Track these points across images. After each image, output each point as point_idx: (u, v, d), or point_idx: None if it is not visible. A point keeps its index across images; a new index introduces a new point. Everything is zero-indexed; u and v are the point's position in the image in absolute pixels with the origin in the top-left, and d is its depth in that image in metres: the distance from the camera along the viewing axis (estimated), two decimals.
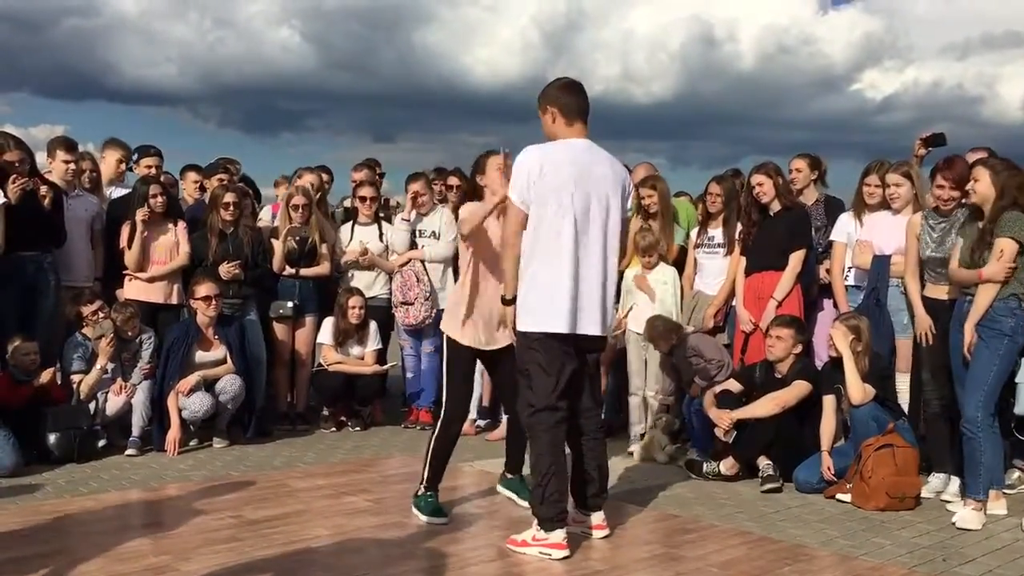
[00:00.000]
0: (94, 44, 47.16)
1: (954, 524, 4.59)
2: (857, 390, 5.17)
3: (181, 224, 6.67)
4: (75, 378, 5.96)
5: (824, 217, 6.38)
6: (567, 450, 4.30)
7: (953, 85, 47.86)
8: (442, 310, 6.71)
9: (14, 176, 5.77)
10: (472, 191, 4.85)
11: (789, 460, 5.38)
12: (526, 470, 4.69)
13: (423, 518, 4.54)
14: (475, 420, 6.68)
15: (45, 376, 5.79)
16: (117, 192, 7.05)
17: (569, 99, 4.19)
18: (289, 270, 6.91)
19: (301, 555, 4.02)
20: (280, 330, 6.94)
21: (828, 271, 6.09)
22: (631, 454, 6.18)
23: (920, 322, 5.19)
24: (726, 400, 5.62)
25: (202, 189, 7.34)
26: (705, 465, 5.56)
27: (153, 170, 7.04)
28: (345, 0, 51.82)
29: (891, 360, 5.53)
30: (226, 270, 6.47)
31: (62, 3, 45.54)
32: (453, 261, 7.01)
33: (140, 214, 6.37)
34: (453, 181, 7.53)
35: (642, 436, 6.21)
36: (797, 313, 5.89)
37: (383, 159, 8.66)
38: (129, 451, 5.90)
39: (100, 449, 5.84)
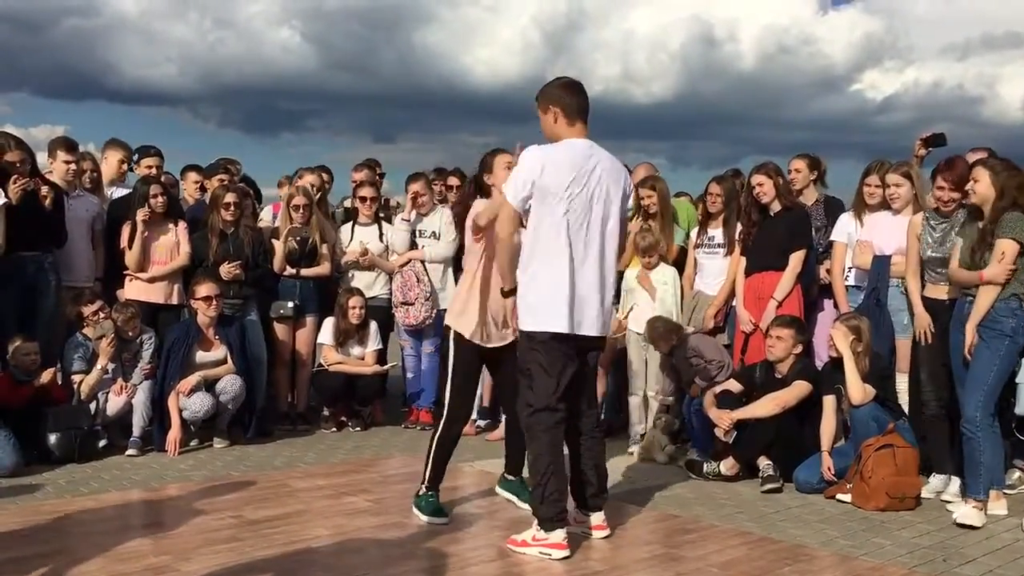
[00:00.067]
0: (94, 44, 47.21)
1: (955, 520, 4.59)
2: (857, 390, 5.17)
3: (182, 224, 6.67)
4: (76, 378, 5.96)
5: (824, 217, 6.38)
6: (566, 450, 4.30)
7: (953, 85, 47.88)
8: (442, 310, 6.73)
9: (15, 176, 5.78)
10: (479, 190, 4.84)
11: (789, 460, 5.38)
12: (525, 471, 4.68)
13: (424, 518, 4.54)
14: (475, 420, 6.68)
15: (46, 376, 5.79)
16: (118, 192, 7.05)
17: (571, 99, 4.18)
18: (290, 270, 6.91)
19: (301, 555, 4.02)
20: (280, 330, 6.94)
21: (828, 271, 6.09)
22: (631, 454, 6.18)
23: (919, 320, 5.20)
24: (726, 400, 5.62)
25: (202, 189, 7.34)
26: (705, 465, 5.56)
27: (154, 170, 7.04)
28: (345, 1, 51.86)
29: (891, 360, 5.53)
30: (227, 270, 6.47)
31: (62, 3, 45.59)
32: (453, 261, 7.03)
33: (141, 214, 6.38)
34: (453, 181, 7.54)
35: (642, 436, 6.21)
36: (797, 313, 5.89)
37: (383, 159, 8.68)
38: (130, 451, 5.90)
39: (101, 449, 5.84)
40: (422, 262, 6.95)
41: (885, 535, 4.48)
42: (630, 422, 6.43)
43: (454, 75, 51.51)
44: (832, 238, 6.07)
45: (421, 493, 4.62)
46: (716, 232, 6.49)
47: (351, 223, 7.29)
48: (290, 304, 6.87)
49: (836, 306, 5.98)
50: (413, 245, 7.04)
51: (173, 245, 6.57)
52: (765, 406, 5.44)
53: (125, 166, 7.24)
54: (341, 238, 7.21)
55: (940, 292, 5.13)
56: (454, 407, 4.57)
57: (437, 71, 51.51)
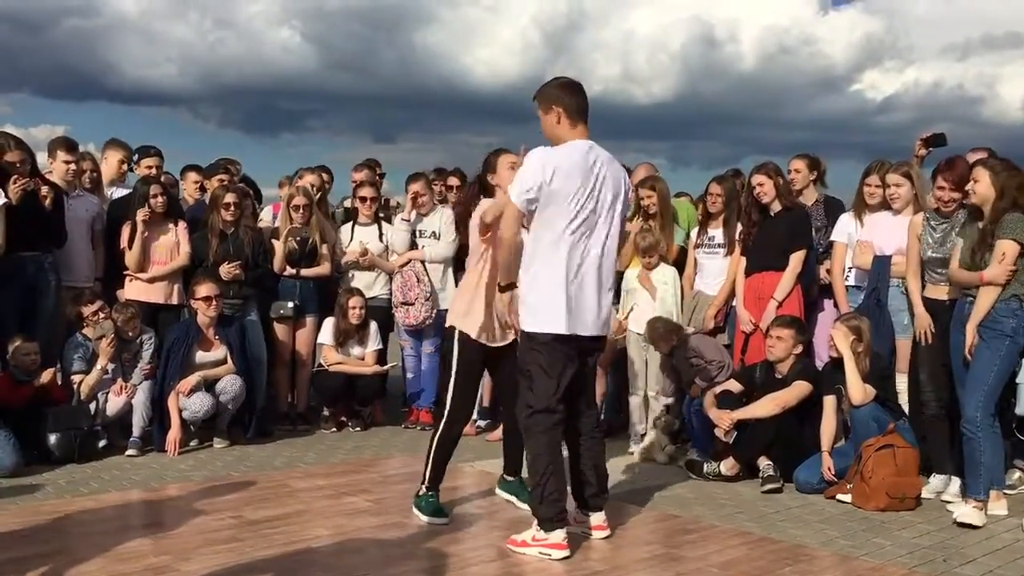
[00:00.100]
0: (94, 44, 47.19)
1: (955, 520, 4.59)
2: (858, 390, 5.17)
3: (182, 224, 6.67)
4: (75, 378, 5.96)
5: (824, 217, 6.38)
6: (565, 451, 4.30)
7: (953, 86, 47.87)
8: (443, 310, 6.73)
9: (15, 176, 5.78)
10: (483, 190, 4.83)
11: (789, 460, 5.38)
12: (524, 472, 4.68)
13: (424, 518, 4.54)
14: (475, 420, 6.68)
15: (46, 376, 5.79)
16: (118, 192, 7.05)
17: (573, 99, 4.16)
18: (290, 270, 6.91)
19: (301, 555, 4.02)
20: (281, 330, 6.94)
21: (828, 271, 6.09)
22: (631, 454, 6.18)
23: (919, 320, 5.19)
24: (726, 400, 5.62)
25: (202, 189, 7.34)
26: (705, 465, 5.56)
27: (154, 170, 7.05)
28: (346, 1, 51.84)
29: (891, 360, 5.53)
30: (227, 270, 6.47)
31: (62, 3, 45.58)
32: (453, 261, 7.02)
33: (141, 214, 6.37)
34: (453, 181, 7.54)
35: (642, 436, 6.21)
36: (797, 313, 5.89)
37: (383, 159, 8.68)
38: (130, 451, 5.90)
39: (100, 449, 5.84)
40: (422, 262, 6.95)
41: (885, 535, 4.48)
42: (630, 422, 6.43)
43: (454, 75, 51.53)
44: (832, 238, 6.07)
45: (421, 493, 4.62)
46: (716, 232, 6.49)
47: (351, 223, 7.29)
48: (290, 304, 6.87)
49: (836, 306, 5.99)
50: (413, 245, 7.04)
51: (173, 245, 6.57)
52: (765, 406, 5.44)
53: (125, 166, 7.24)
54: (341, 238, 7.21)
55: (940, 292, 5.13)
56: (455, 407, 4.56)
57: (437, 71, 51.52)
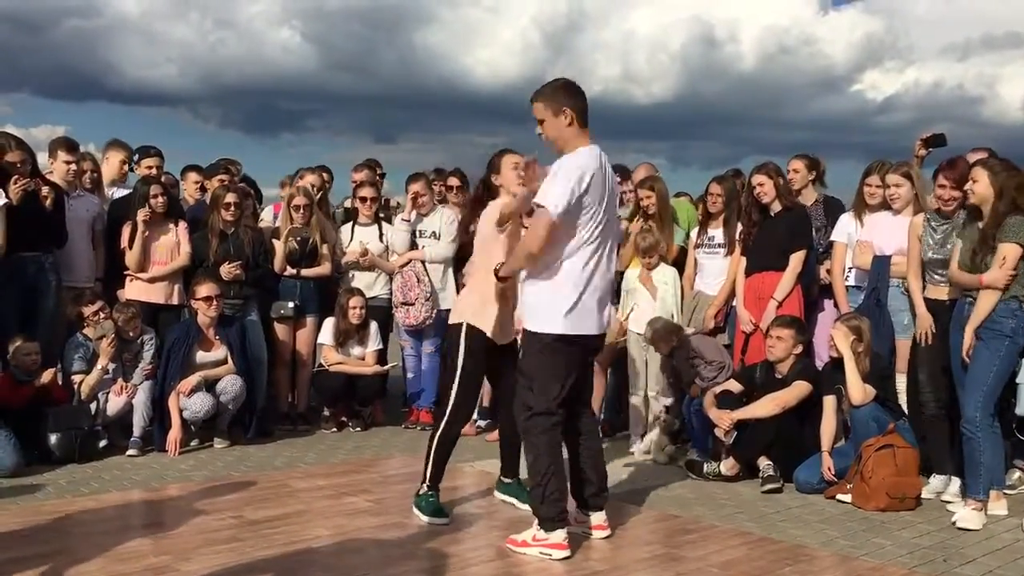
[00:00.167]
0: (95, 45, 47.21)
1: (954, 524, 4.59)
2: (858, 391, 5.18)
3: (182, 224, 6.67)
4: (76, 378, 5.96)
5: (824, 217, 6.38)
6: (564, 451, 4.30)
7: (954, 86, 47.88)
8: (443, 311, 6.73)
9: (16, 177, 5.78)
10: (487, 191, 4.82)
11: (789, 460, 5.38)
12: (522, 473, 4.68)
13: (424, 518, 4.54)
14: (475, 420, 6.68)
15: (46, 376, 5.79)
16: (119, 193, 7.06)
17: (581, 102, 4.12)
18: (290, 270, 6.91)
19: (302, 555, 4.03)
20: (281, 330, 6.94)
21: (829, 271, 6.09)
22: (631, 454, 6.18)
23: (921, 321, 5.19)
24: (726, 400, 5.62)
25: (203, 189, 7.34)
26: (705, 465, 5.57)
27: (154, 170, 7.05)
28: (346, 1, 51.87)
29: (891, 360, 5.53)
30: (227, 271, 6.47)
31: (63, 4, 45.59)
32: (454, 261, 7.03)
33: (141, 214, 6.38)
34: (453, 182, 7.53)
35: (642, 436, 6.21)
36: (797, 313, 5.89)
37: (384, 160, 8.68)
38: (130, 451, 5.90)
39: (101, 449, 5.84)
40: (422, 262, 6.95)
41: (885, 535, 4.48)
42: (630, 422, 6.43)
43: (454, 76, 51.54)
44: (832, 238, 6.08)
45: (422, 492, 4.62)
46: (716, 232, 6.49)
47: (351, 223, 7.29)
48: (290, 304, 6.87)
49: (836, 306, 5.99)
50: (413, 245, 7.04)
51: (173, 245, 6.57)
52: (765, 406, 5.44)
53: (126, 167, 7.24)
54: (341, 238, 7.21)
55: (941, 293, 5.13)
56: (457, 406, 4.55)
57: (437, 72, 51.54)
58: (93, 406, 5.95)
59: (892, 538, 4.43)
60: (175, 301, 6.59)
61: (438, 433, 4.59)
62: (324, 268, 6.99)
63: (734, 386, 5.76)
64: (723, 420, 5.48)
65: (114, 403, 6.03)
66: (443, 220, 7.05)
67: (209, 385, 6.19)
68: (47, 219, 6.02)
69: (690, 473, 5.59)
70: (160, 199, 6.47)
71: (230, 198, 6.60)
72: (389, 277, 7.11)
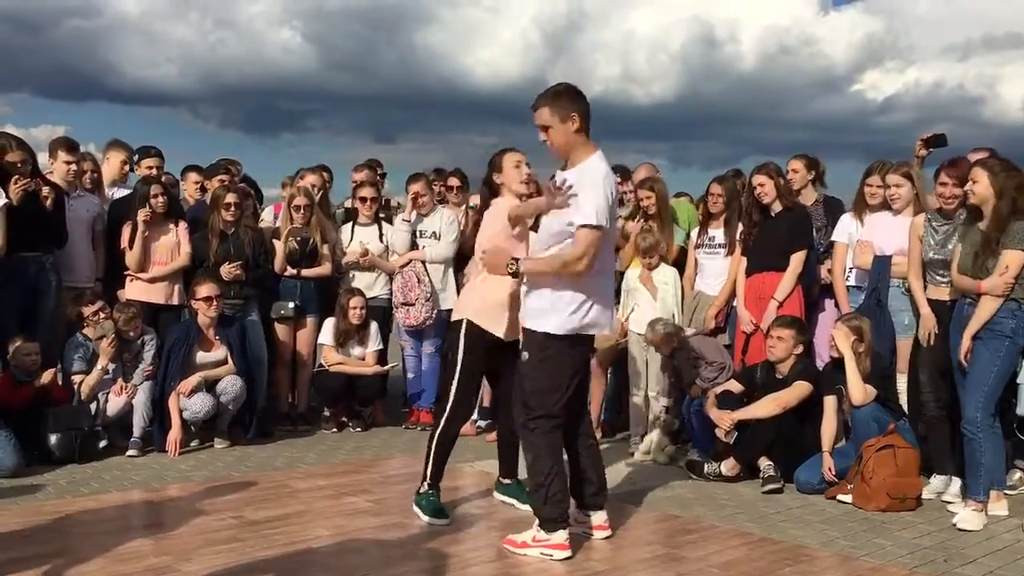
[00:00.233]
0: (95, 45, 47.27)
1: (955, 525, 4.59)
2: (858, 391, 5.17)
3: (182, 225, 6.67)
4: (76, 379, 5.96)
5: (824, 217, 6.38)
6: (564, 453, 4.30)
7: (954, 86, 47.92)
8: (443, 311, 6.73)
9: (16, 177, 5.78)
10: (490, 190, 4.81)
11: (790, 461, 5.38)
12: (523, 474, 4.67)
13: (424, 518, 4.54)
14: (475, 420, 6.68)
15: (46, 377, 5.79)
16: (119, 193, 7.06)
17: (585, 106, 4.06)
18: (290, 271, 6.91)
19: (302, 556, 4.03)
20: (281, 331, 6.94)
21: (829, 271, 6.09)
22: (632, 454, 6.18)
23: (925, 322, 5.19)
24: (727, 401, 5.62)
25: (203, 190, 7.35)
26: (706, 466, 5.56)
27: (154, 171, 7.05)
28: (346, 1, 51.90)
29: (892, 361, 5.53)
30: (227, 271, 6.47)
31: (63, 4, 45.63)
32: (454, 261, 7.02)
33: (141, 215, 6.37)
34: (453, 182, 7.53)
35: (643, 436, 6.21)
36: (798, 314, 5.89)
37: (384, 160, 8.68)
38: (130, 452, 5.90)
39: (101, 450, 5.84)
40: (423, 263, 6.94)
41: (886, 536, 4.48)
42: (630, 422, 6.43)
43: (455, 76, 51.60)
44: (833, 238, 6.07)
45: (422, 491, 4.62)
46: (717, 232, 6.48)
47: (351, 223, 7.29)
48: (291, 304, 6.87)
49: (837, 306, 5.98)
50: (414, 246, 7.04)
51: (173, 245, 6.57)
52: (766, 406, 5.44)
53: (127, 167, 7.25)
54: (341, 238, 7.21)
55: (942, 293, 5.13)
56: (457, 404, 4.54)
57: (438, 72, 51.59)
58: (93, 406, 5.95)
59: (893, 538, 4.43)
60: (175, 301, 6.58)
61: (438, 432, 4.59)
62: (324, 268, 6.98)
63: (735, 386, 5.76)
64: (724, 420, 5.48)
65: (114, 403, 6.03)
66: (443, 220, 7.05)
67: (209, 385, 6.19)
68: (47, 219, 6.02)
69: (690, 473, 5.59)
70: (160, 199, 6.47)
71: (230, 198, 6.60)
72: (389, 277, 7.11)
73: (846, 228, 6.01)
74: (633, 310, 6.35)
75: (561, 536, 4.06)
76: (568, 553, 4.04)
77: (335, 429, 6.89)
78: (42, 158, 6.46)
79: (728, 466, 5.50)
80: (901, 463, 4.95)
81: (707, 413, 5.62)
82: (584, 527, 4.36)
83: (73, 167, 6.46)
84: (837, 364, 5.35)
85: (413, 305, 6.86)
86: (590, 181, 3.94)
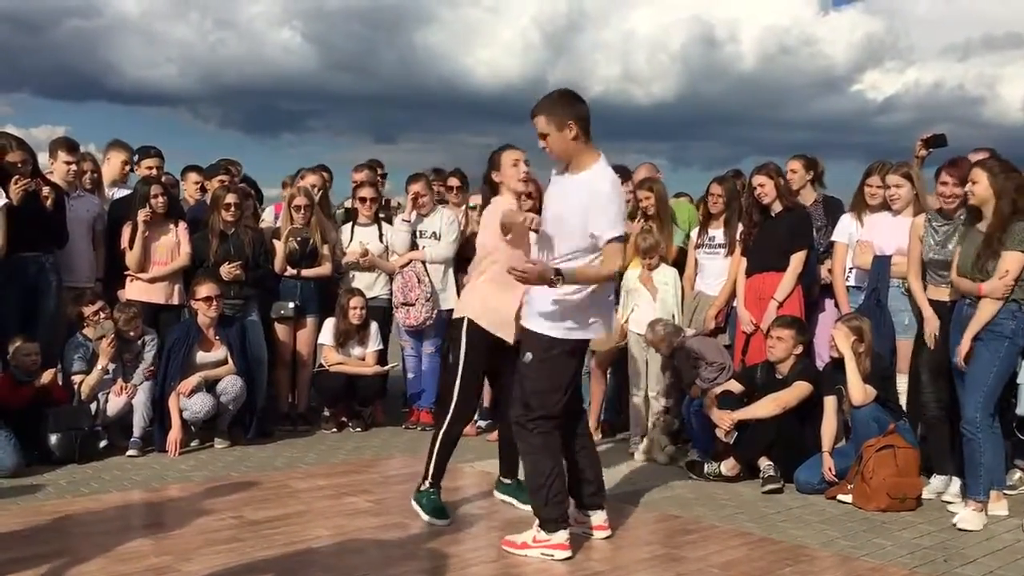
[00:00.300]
0: (95, 45, 47.24)
1: (955, 525, 4.59)
2: (858, 391, 5.17)
3: (182, 225, 6.67)
4: (76, 379, 5.96)
5: (824, 217, 6.38)
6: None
7: (954, 86, 47.90)
8: (443, 311, 6.73)
9: (16, 177, 5.78)
10: (490, 188, 4.80)
11: (790, 461, 5.38)
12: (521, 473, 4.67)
13: (424, 517, 4.54)
14: (476, 421, 6.68)
15: (46, 377, 5.79)
16: (119, 193, 7.06)
17: (583, 110, 4.02)
18: (290, 271, 6.91)
19: (302, 556, 4.03)
20: (281, 331, 6.94)
21: (829, 271, 6.09)
22: (632, 454, 6.18)
23: (929, 323, 5.18)
24: (727, 401, 5.62)
25: (203, 190, 7.35)
26: (706, 466, 5.56)
27: (154, 171, 7.05)
28: (346, 1, 51.90)
29: (892, 361, 5.53)
30: (227, 271, 6.47)
31: (63, 4, 45.62)
32: (454, 262, 7.02)
33: (141, 215, 6.37)
34: (453, 182, 7.53)
35: (643, 436, 6.21)
36: (798, 314, 5.89)
37: (384, 160, 8.68)
38: (130, 452, 5.90)
39: (101, 450, 5.84)
40: (423, 263, 6.94)
41: (886, 536, 4.48)
42: (630, 422, 6.42)
43: (455, 76, 51.58)
44: (833, 238, 6.07)
45: (423, 489, 4.61)
46: (717, 232, 6.48)
47: (351, 223, 7.29)
48: (291, 304, 6.87)
49: (837, 306, 5.98)
50: (414, 246, 7.04)
51: (174, 245, 6.57)
52: (766, 407, 5.44)
53: (128, 167, 7.25)
54: (341, 239, 7.21)
55: (942, 294, 5.13)
56: (460, 404, 4.54)
57: (438, 72, 51.57)
58: (93, 406, 5.95)
59: (893, 538, 4.43)
60: (175, 301, 6.59)
61: (441, 433, 4.59)
62: (324, 268, 6.99)
63: (735, 386, 5.76)
64: (724, 420, 5.48)
65: (114, 403, 6.03)
66: (443, 220, 7.05)
67: (209, 385, 6.19)
68: (48, 219, 6.02)
69: (691, 473, 5.59)
70: (160, 199, 6.47)
71: (230, 198, 6.60)
72: (389, 277, 7.11)
73: (846, 228, 6.01)
74: (633, 311, 6.35)
75: (561, 536, 4.06)
76: (568, 553, 4.04)
77: (335, 429, 6.89)
78: (42, 158, 6.46)
79: (728, 466, 5.50)
80: (901, 463, 4.95)
81: (707, 413, 5.62)
82: (584, 527, 4.36)
83: (73, 167, 6.46)
84: (837, 364, 5.35)
85: (413, 305, 6.86)
86: (604, 196, 3.93)
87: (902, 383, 5.48)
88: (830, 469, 5.21)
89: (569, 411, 4.26)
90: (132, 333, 6.15)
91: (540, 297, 4.06)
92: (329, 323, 6.91)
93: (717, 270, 6.44)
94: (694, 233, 6.72)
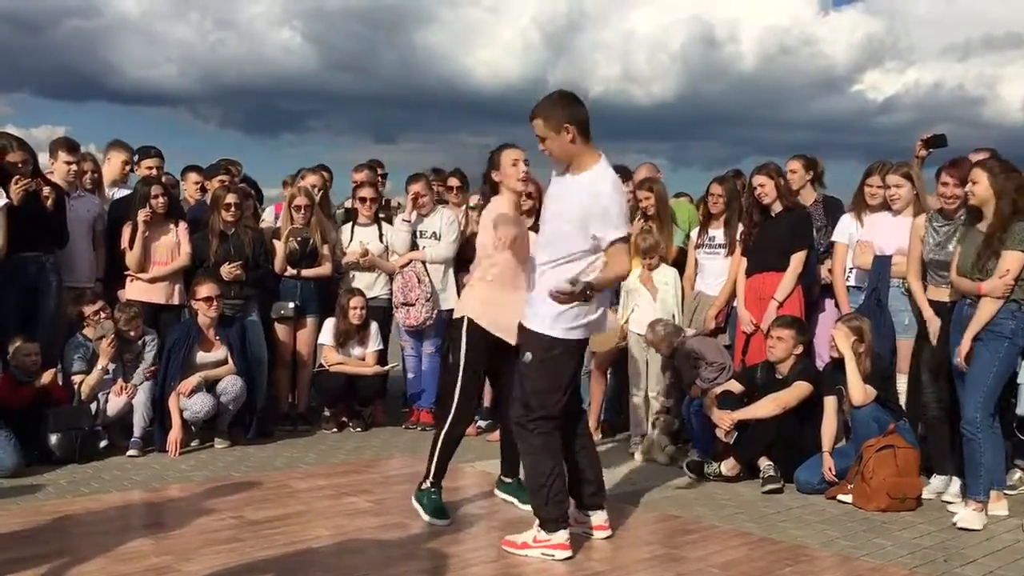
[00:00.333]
0: (95, 45, 47.26)
1: (955, 524, 4.59)
2: (858, 391, 5.17)
3: (182, 225, 6.67)
4: (76, 379, 5.96)
5: (824, 217, 6.38)
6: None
7: (954, 86, 47.90)
8: (443, 311, 6.73)
9: (17, 177, 5.78)
10: (490, 187, 4.80)
11: (790, 461, 5.38)
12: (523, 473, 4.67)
13: (425, 516, 4.53)
14: (476, 421, 6.67)
15: (46, 377, 5.79)
16: (119, 193, 7.06)
17: (581, 112, 4.01)
18: (290, 271, 6.91)
19: (302, 556, 4.03)
20: (281, 331, 6.94)
21: (830, 271, 6.09)
22: (632, 454, 6.18)
23: (931, 325, 5.18)
24: (727, 401, 5.62)
25: (203, 190, 7.35)
26: (706, 466, 5.56)
27: (154, 171, 7.06)
28: (346, 1, 51.91)
29: (892, 361, 5.53)
30: (227, 271, 6.47)
31: (63, 4, 45.63)
32: (454, 262, 7.02)
33: (141, 215, 6.38)
34: (453, 182, 7.53)
35: (643, 436, 6.21)
36: (798, 314, 5.89)
37: (384, 160, 8.68)
38: (130, 452, 5.90)
39: (101, 450, 5.84)
40: (423, 263, 6.94)
41: (886, 536, 4.48)
42: (630, 422, 6.42)
43: (455, 76, 51.59)
44: (833, 238, 6.07)
45: (424, 488, 4.60)
46: (717, 233, 6.48)
47: (351, 223, 7.29)
48: (291, 305, 6.87)
49: (837, 306, 5.99)
50: (414, 246, 7.04)
51: (174, 245, 6.57)
52: (766, 407, 5.44)
53: (128, 167, 7.26)
54: (341, 239, 7.21)
55: (942, 294, 5.12)
56: (461, 404, 4.54)
57: (438, 72, 51.58)
58: (93, 406, 5.95)
59: (893, 538, 4.43)
60: (176, 301, 6.59)
61: (442, 433, 4.58)
62: (324, 268, 6.99)
63: (735, 387, 5.75)
64: (724, 420, 5.48)
65: (114, 403, 6.03)
66: (443, 221, 7.05)
67: (209, 385, 6.19)
68: (48, 219, 6.02)
69: (691, 473, 5.59)
70: (160, 199, 6.47)
71: (230, 199, 6.60)
72: (389, 277, 7.11)
73: (846, 228, 6.01)
74: (633, 311, 6.35)
75: (562, 536, 4.06)
76: (569, 553, 4.04)
77: (335, 429, 6.89)
78: (42, 158, 6.46)
79: (728, 466, 5.50)
80: (901, 463, 4.95)
81: (707, 413, 5.62)
82: (584, 527, 4.36)
83: (73, 167, 6.46)
84: (837, 364, 5.35)
85: (413, 305, 6.86)
86: (607, 198, 3.94)
87: (902, 383, 5.48)
88: (830, 469, 5.21)
89: (569, 411, 4.26)
90: (132, 333, 6.16)
91: (540, 297, 4.06)
92: (329, 323, 6.91)
93: (717, 270, 6.44)
94: (694, 233, 6.72)
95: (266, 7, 47.43)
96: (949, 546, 4.32)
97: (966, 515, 4.62)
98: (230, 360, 6.32)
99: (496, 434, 6.46)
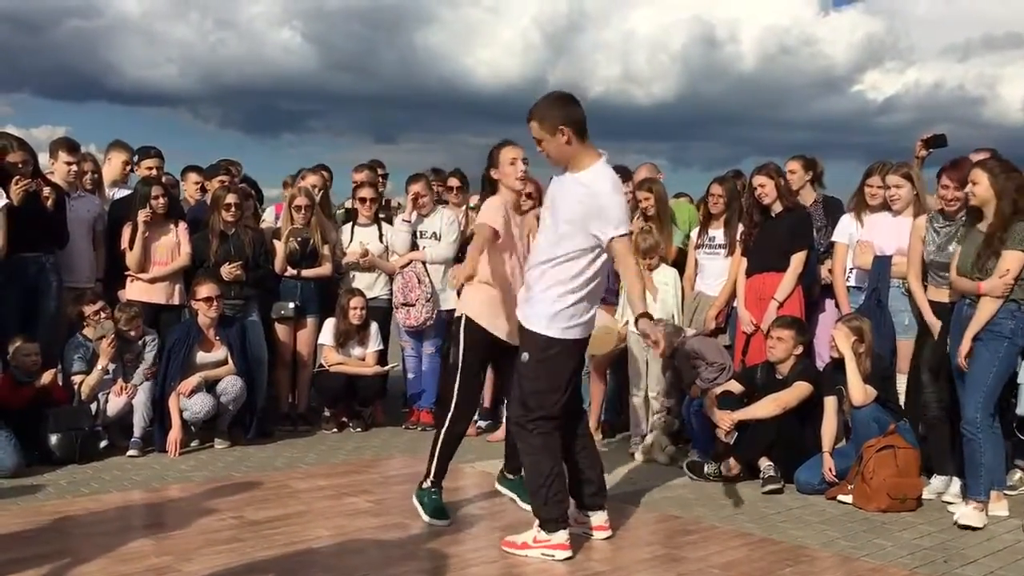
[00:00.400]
0: (95, 45, 47.27)
1: (956, 522, 4.59)
2: (858, 391, 5.17)
3: (182, 225, 6.67)
4: (76, 379, 5.96)
5: (824, 217, 6.39)
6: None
7: (954, 86, 47.91)
8: (443, 311, 6.73)
9: (17, 177, 5.78)
10: (490, 186, 4.79)
11: (790, 461, 5.38)
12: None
13: (425, 517, 4.53)
14: (476, 421, 6.67)
15: (46, 377, 5.79)
16: (120, 193, 7.06)
17: (577, 113, 4.00)
18: (291, 271, 6.91)
19: (302, 556, 4.03)
20: (281, 331, 6.94)
21: (830, 271, 6.09)
22: (632, 455, 6.18)
23: (933, 327, 5.18)
24: (727, 401, 5.62)
25: (203, 190, 7.35)
26: (706, 466, 5.56)
27: (154, 171, 7.06)
28: (346, 1, 51.92)
29: (892, 361, 5.53)
30: (227, 271, 6.47)
31: (63, 4, 45.64)
32: (454, 262, 7.02)
33: (142, 215, 6.38)
34: (453, 182, 7.53)
35: (643, 437, 6.21)
36: (798, 314, 5.89)
37: (384, 160, 8.67)
38: (130, 452, 5.90)
39: (101, 450, 5.84)
40: (423, 263, 6.94)
41: (886, 536, 4.48)
42: (631, 422, 6.42)
43: (455, 76, 51.61)
44: (833, 239, 6.08)
45: (424, 487, 4.60)
46: (717, 233, 6.48)
47: (351, 224, 7.29)
48: (291, 305, 6.87)
49: (837, 307, 5.99)
50: (414, 246, 7.04)
51: (174, 246, 6.57)
52: (766, 407, 5.44)
53: (128, 167, 7.26)
54: (341, 239, 7.21)
55: (942, 295, 5.12)
56: (461, 403, 4.53)
57: (438, 72, 51.60)
58: (93, 407, 5.95)
59: (893, 539, 4.43)
60: (176, 301, 6.59)
61: (443, 432, 4.58)
62: (324, 269, 6.99)
63: (735, 387, 5.76)
64: (724, 421, 5.48)
65: (114, 404, 6.03)
66: (443, 221, 7.05)
67: (209, 386, 6.19)
68: (48, 220, 6.02)
69: (691, 474, 5.59)
70: (161, 200, 6.47)
71: (230, 199, 6.60)
72: (389, 278, 7.11)
73: (846, 228, 6.01)
74: None
75: (562, 536, 4.06)
76: (569, 553, 4.04)
77: (335, 429, 6.89)
78: (43, 158, 6.47)
79: (728, 466, 5.50)
80: (901, 463, 4.95)
81: (707, 413, 5.62)
82: (584, 527, 4.36)
83: (74, 167, 6.47)
84: (837, 364, 5.35)
85: (413, 306, 6.86)
86: (607, 195, 3.94)
87: (902, 383, 5.48)
88: (830, 469, 5.21)
89: (569, 411, 4.26)
90: (132, 333, 6.16)
91: (537, 298, 4.07)
92: (329, 323, 6.91)
93: (717, 270, 6.44)
94: (694, 233, 6.72)
95: (266, 7, 47.47)
96: (949, 546, 4.32)
97: (967, 512, 4.62)
98: (230, 360, 6.32)
99: (496, 435, 6.48)
